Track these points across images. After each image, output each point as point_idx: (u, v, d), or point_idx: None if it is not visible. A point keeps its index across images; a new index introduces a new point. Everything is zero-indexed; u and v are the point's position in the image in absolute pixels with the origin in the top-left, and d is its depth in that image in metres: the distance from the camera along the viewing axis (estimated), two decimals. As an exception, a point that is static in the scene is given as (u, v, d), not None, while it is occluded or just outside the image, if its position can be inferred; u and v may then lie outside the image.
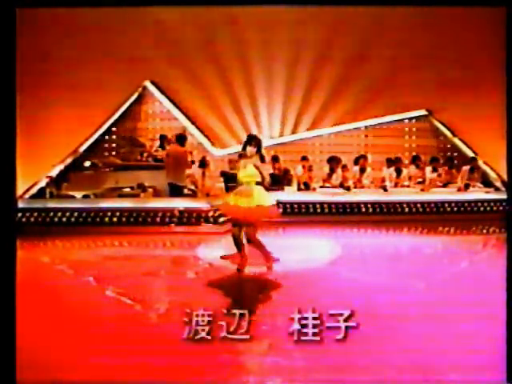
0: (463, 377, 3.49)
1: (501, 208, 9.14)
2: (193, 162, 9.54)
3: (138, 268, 5.94)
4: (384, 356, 3.61)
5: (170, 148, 9.18)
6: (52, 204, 8.45)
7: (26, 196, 9.05)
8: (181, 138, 8.79)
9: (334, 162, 9.90)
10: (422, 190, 9.77)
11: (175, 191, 8.49)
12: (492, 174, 10.45)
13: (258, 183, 5.32)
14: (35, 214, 8.15)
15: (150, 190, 9.01)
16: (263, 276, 5.36)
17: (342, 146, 11.09)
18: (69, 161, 10.06)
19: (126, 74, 10.04)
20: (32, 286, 4.79)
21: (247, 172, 5.30)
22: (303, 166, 9.97)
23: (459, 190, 9.78)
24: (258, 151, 5.32)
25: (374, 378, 3.46)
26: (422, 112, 11.25)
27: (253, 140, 5.37)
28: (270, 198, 5.36)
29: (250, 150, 5.31)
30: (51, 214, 8.18)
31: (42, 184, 9.36)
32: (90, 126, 10.51)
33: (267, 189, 5.42)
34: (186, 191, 8.76)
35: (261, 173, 5.30)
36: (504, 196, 8.95)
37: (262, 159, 5.37)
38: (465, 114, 10.39)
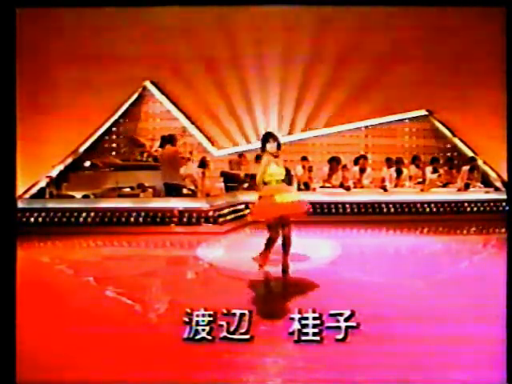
0: (463, 377, 3.49)
1: (501, 208, 9.15)
2: (188, 159, 9.54)
3: (138, 268, 5.94)
4: (384, 356, 3.61)
5: (163, 150, 9.18)
6: (52, 204, 8.44)
7: (26, 196, 9.06)
8: (170, 139, 8.80)
9: (334, 162, 9.92)
10: (422, 190, 9.77)
11: (171, 191, 8.49)
12: (492, 174, 10.46)
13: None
14: (35, 214, 8.15)
15: (150, 190, 9.00)
16: (264, 276, 5.36)
17: (342, 145, 11.11)
18: (69, 161, 10.07)
19: (126, 74, 10.04)
20: (32, 286, 4.78)
21: (274, 170, 5.12)
22: (303, 166, 9.99)
23: (459, 190, 9.78)
24: (279, 148, 5.20)
25: (374, 378, 3.46)
26: (422, 112, 11.27)
27: (271, 137, 5.20)
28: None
29: (271, 147, 5.15)
30: (51, 214, 8.19)
31: (42, 184, 9.37)
32: (90, 126, 10.52)
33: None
34: (185, 191, 8.75)
35: (289, 171, 5.20)
36: (504, 196, 8.97)
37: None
38: (465, 114, 10.40)
